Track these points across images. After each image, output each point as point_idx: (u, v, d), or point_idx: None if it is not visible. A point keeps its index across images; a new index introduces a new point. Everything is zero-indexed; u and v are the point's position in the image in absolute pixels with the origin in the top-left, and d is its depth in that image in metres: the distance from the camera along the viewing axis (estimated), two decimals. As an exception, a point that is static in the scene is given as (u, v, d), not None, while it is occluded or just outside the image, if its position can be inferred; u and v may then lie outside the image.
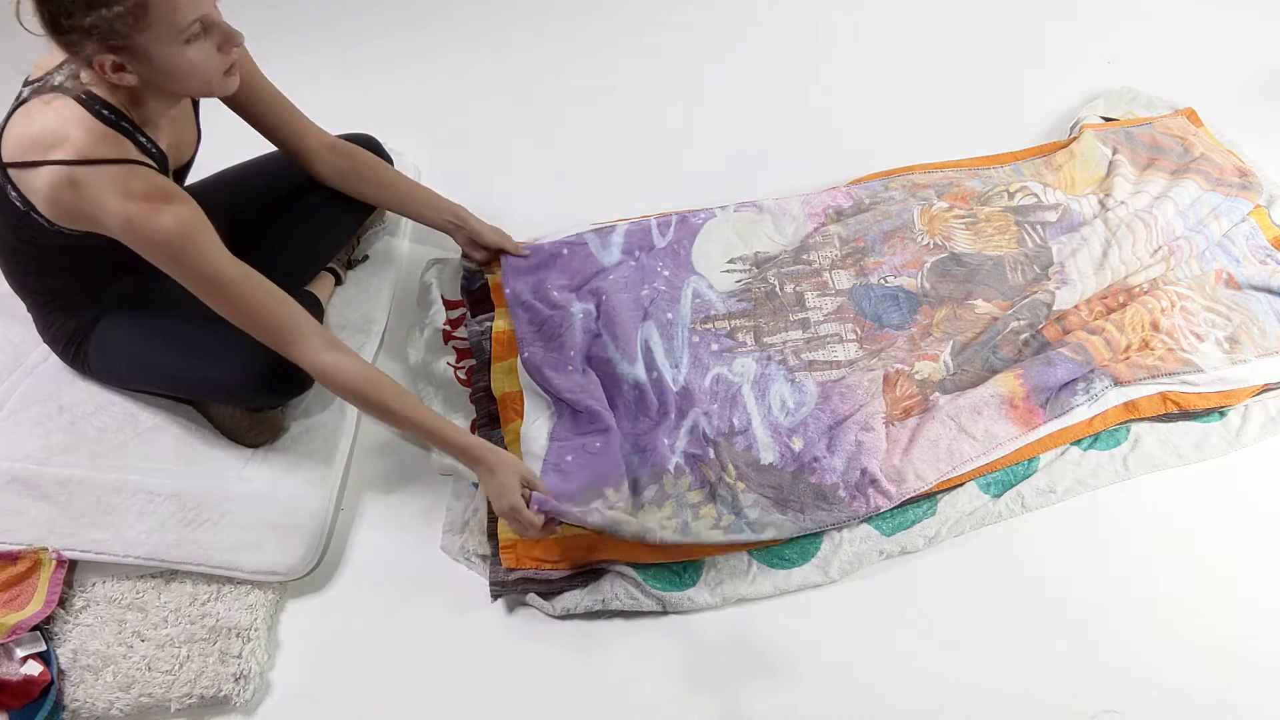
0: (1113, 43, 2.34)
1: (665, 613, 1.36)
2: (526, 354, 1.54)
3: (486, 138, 2.15)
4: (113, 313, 1.39)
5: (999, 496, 1.47)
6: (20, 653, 1.25)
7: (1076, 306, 1.65)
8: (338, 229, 1.67)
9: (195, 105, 1.35)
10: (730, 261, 1.74)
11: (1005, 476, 1.49)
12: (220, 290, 1.20)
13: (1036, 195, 1.85)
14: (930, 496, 1.46)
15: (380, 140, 1.70)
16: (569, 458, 1.43)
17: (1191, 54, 2.32)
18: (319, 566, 1.41)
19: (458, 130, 2.16)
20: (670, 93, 2.26)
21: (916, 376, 1.56)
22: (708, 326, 1.64)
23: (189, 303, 1.24)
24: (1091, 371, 1.53)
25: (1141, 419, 1.55)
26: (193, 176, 1.43)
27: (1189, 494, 1.49)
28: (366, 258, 1.80)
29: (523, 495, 1.28)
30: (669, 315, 1.63)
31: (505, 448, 1.46)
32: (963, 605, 1.38)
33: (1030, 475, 1.49)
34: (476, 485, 1.46)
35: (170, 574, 1.37)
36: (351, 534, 1.46)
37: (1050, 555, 1.43)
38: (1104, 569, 1.41)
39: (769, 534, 1.36)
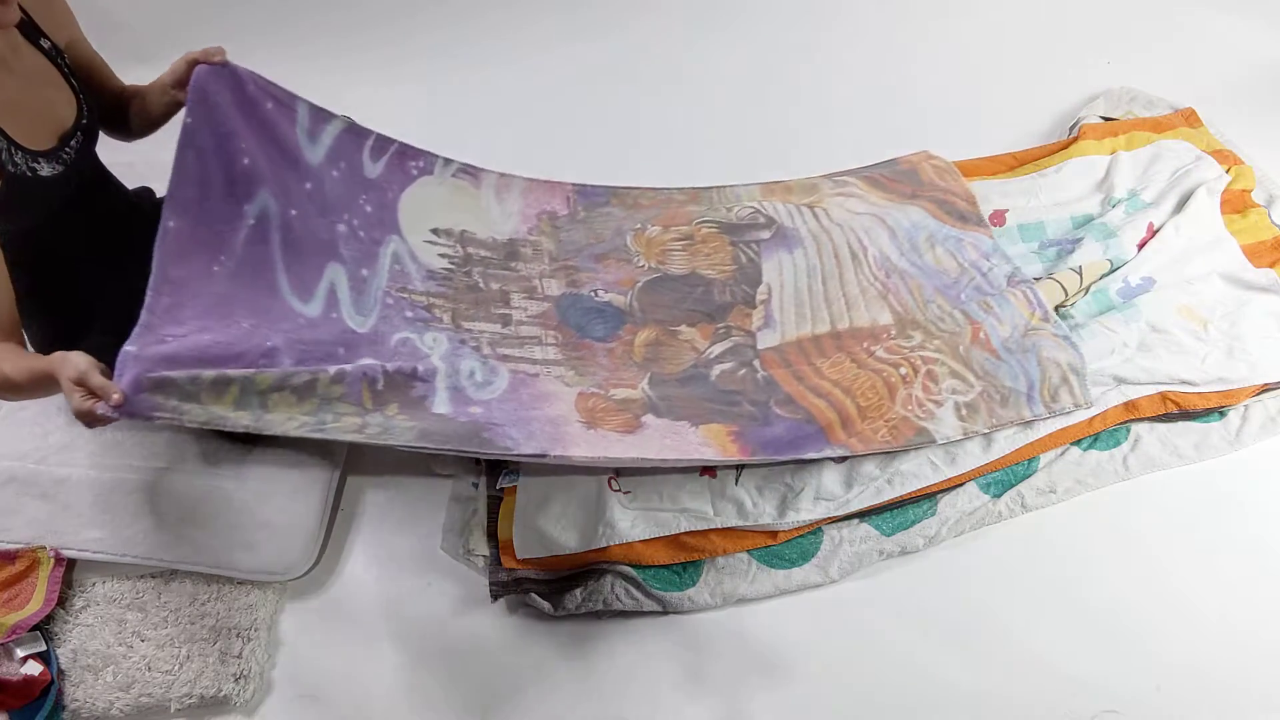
0: (1113, 43, 2.34)
1: (665, 613, 1.36)
2: (173, 224, 1.19)
3: (487, 138, 2.15)
4: (92, 313, 1.38)
5: (999, 496, 1.47)
6: (20, 653, 1.25)
7: (786, 349, 1.57)
8: None
9: (57, 60, 1.28)
10: (434, 232, 1.57)
11: (1005, 476, 1.49)
12: None
13: (754, 208, 1.77)
14: (930, 496, 1.46)
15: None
16: (180, 330, 1.15)
17: (1191, 54, 2.31)
18: (318, 566, 1.41)
19: (459, 130, 2.15)
20: (672, 91, 2.26)
21: (614, 397, 1.44)
22: (404, 295, 1.46)
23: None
24: (820, 436, 1.41)
25: (1141, 419, 1.55)
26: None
27: (1189, 494, 1.50)
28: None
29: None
30: (364, 272, 1.44)
31: None
32: (962, 605, 1.38)
33: (1030, 475, 1.49)
34: (477, 485, 1.46)
35: (170, 574, 1.37)
36: (351, 534, 1.46)
37: (1050, 555, 1.43)
38: (1104, 569, 1.42)
39: (409, 437, 1.22)
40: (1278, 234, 1.82)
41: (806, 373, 1.53)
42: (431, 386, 1.32)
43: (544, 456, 1.26)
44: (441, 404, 1.31)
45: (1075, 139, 2.00)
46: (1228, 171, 1.89)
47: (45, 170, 1.20)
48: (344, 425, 1.20)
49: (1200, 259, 1.74)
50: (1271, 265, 1.75)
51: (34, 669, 1.24)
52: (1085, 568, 1.42)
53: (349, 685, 1.30)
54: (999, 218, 1.84)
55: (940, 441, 1.43)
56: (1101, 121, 2.06)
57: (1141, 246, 1.76)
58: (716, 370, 1.52)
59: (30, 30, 1.23)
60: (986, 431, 1.45)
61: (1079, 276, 1.71)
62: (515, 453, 1.25)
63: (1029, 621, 1.36)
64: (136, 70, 1.44)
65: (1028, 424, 1.48)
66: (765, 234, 1.71)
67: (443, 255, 1.56)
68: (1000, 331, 1.57)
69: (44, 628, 1.29)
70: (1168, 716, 1.27)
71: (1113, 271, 1.72)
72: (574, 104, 2.23)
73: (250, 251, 1.29)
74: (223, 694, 1.25)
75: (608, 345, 1.54)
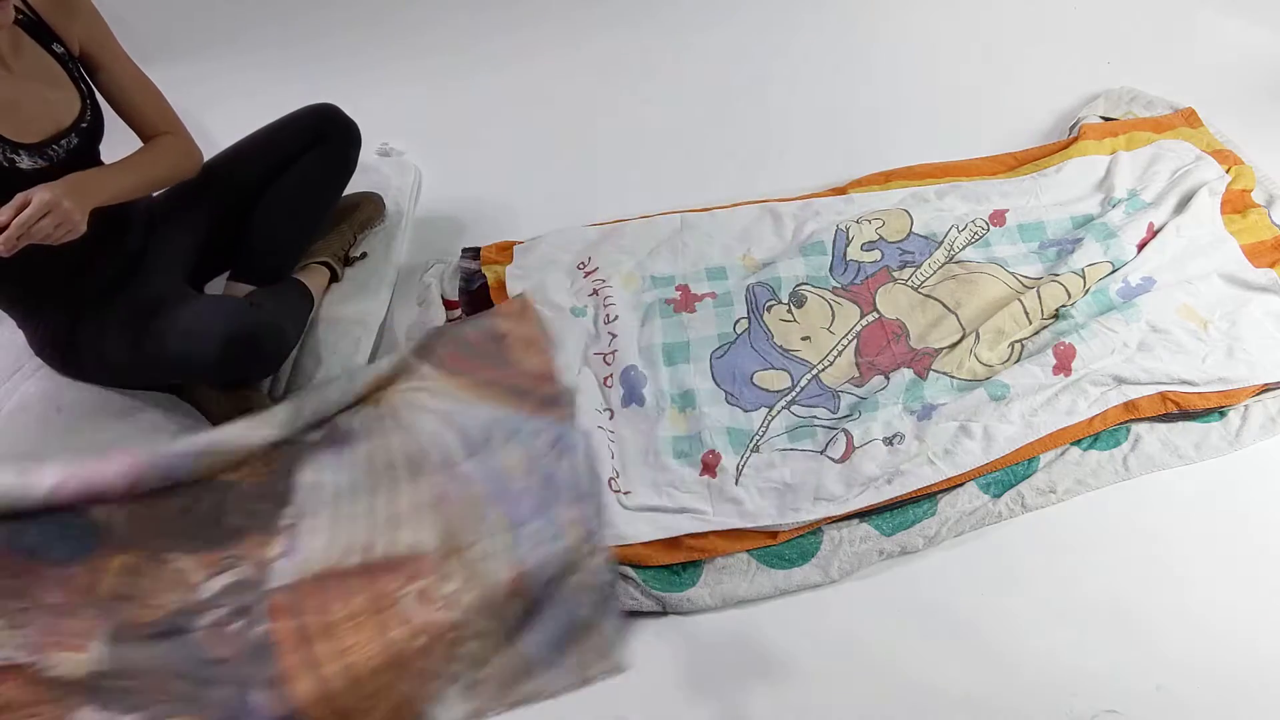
0: (1113, 43, 2.34)
1: (665, 613, 1.36)
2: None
3: (488, 137, 2.15)
4: (85, 312, 1.39)
5: (999, 496, 1.47)
6: (19, 652, 1.24)
7: (303, 588, 1.23)
8: (313, 210, 1.65)
9: (67, 65, 1.30)
10: None
11: (1005, 476, 1.49)
12: None
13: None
14: (930, 496, 1.46)
15: (380, 134, 1.69)
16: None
17: (1191, 54, 2.31)
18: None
19: (459, 130, 2.16)
20: (671, 91, 2.26)
21: (47, 674, 1.07)
22: None
23: (156, 291, 1.21)
24: None
25: (1141, 419, 1.55)
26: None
27: (1189, 494, 1.49)
28: (365, 255, 1.79)
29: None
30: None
31: None
32: (963, 605, 1.38)
33: (1030, 475, 1.49)
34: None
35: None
36: (351, 533, 1.46)
37: (1050, 555, 1.43)
38: (1104, 569, 1.41)
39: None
40: (1278, 234, 1.81)
41: (313, 631, 1.19)
42: None
43: None
44: None
45: (1075, 139, 2.00)
46: (1228, 171, 1.89)
47: (25, 163, 1.21)
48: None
49: (1200, 259, 1.74)
50: (1271, 265, 1.75)
51: (33, 669, 1.23)
52: (1085, 567, 1.41)
53: (348, 685, 1.30)
54: (999, 218, 1.84)
55: None
56: (1101, 121, 2.06)
57: (1142, 247, 1.76)
58: (206, 621, 1.18)
59: (41, 33, 1.26)
60: (500, 709, 1.20)
61: (1083, 279, 1.71)
62: None
63: (1029, 621, 1.36)
64: (136, 70, 1.45)
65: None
66: (316, 435, 1.39)
67: None
68: (544, 573, 1.25)
69: (43, 627, 1.29)
70: (1168, 716, 1.27)
71: (1113, 272, 1.73)
72: (575, 103, 2.24)
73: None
74: (222, 694, 1.25)
75: (68, 571, 1.16)
